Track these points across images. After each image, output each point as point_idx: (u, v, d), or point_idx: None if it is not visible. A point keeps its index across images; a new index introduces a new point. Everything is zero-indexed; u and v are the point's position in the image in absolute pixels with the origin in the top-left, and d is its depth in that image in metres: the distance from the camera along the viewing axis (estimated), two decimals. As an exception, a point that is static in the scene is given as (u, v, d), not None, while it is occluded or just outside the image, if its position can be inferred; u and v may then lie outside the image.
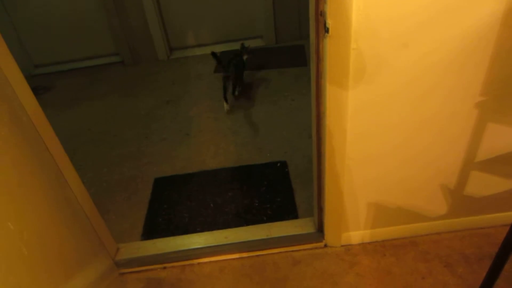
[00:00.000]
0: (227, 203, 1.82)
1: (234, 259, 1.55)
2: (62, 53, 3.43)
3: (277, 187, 1.87)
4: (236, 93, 2.69)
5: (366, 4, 0.96)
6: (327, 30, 1.00)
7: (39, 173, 1.22)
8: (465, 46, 1.06)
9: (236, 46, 2.84)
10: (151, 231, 1.73)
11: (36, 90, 3.10)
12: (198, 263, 1.55)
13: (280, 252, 1.55)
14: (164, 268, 1.55)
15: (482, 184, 1.43)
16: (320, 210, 1.49)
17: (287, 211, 1.73)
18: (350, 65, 1.07)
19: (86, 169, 2.17)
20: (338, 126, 1.20)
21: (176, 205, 1.86)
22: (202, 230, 1.69)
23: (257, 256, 1.55)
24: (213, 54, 2.58)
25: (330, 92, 1.13)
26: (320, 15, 1.01)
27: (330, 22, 0.98)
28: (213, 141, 2.28)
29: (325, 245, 1.55)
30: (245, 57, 2.74)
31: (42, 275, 1.26)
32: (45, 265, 1.27)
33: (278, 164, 2.01)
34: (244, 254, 1.55)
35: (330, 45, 1.03)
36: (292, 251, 1.55)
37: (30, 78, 3.39)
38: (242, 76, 2.76)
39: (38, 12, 3.20)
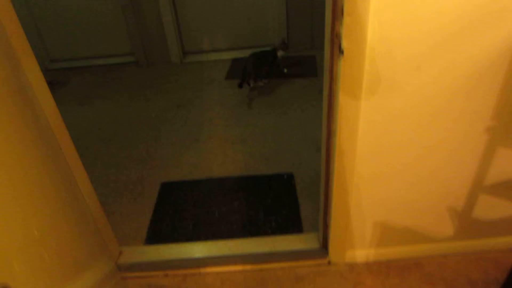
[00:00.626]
0: (232, 213, 1.81)
1: (236, 271, 1.54)
2: (79, 49, 3.48)
3: (283, 200, 1.86)
4: (252, 84, 2.74)
5: (382, 27, 0.95)
6: (342, 52, 0.99)
7: (53, 173, 1.23)
8: (475, 70, 1.05)
9: (249, 53, 2.85)
10: (155, 236, 1.74)
11: (51, 85, 3.13)
12: (200, 273, 1.55)
13: (283, 268, 1.54)
14: (166, 275, 1.55)
15: (491, 208, 1.41)
16: (326, 226, 1.48)
17: (292, 225, 1.72)
18: (363, 86, 1.07)
19: (94, 168, 2.18)
20: (348, 144, 1.20)
21: (182, 211, 1.86)
22: (206, 238, 1.69)
23: (260, 270, 1.54)
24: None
25: (342, 111, 1.12)
26: (336, 36, 1.00)
27: (345, 44, 0.98)
28: (221, 148, 2.28)
29: (329, 262, 1.54)
30: (279, 53, 2.78)
31: (59, 279, 1.26)
32: (61, 268, 1.28)
33: (285, 176, 2.00)
34: (247, 267, 1.55)
35: (344, 66, 1.02)
36: (296, 266, 1.54)
37: (46, 71, 3.44)
38: (262, 69, 2.79)
39: (58, 7, 3.25)
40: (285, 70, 3.02)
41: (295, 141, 2.28)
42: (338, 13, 0.98)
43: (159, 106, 2.80)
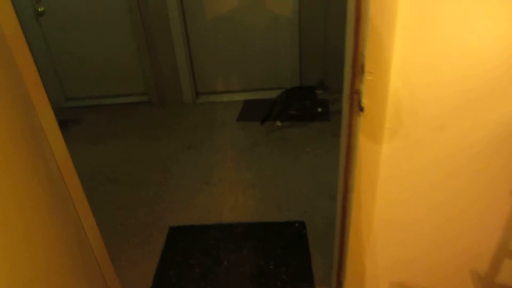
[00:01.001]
0: (241, 262, 1.75)
1: (244, 327, 1.47)
2: (94, 88, 3.55)
3: (294, 250, 1.80)
4: (279, 123, 2.89)
5: (405, 86, 0.94)
6: (361, 109, 0.98)
7: (57, 214, 1.17)
8: (499, 132, 1.02)
9: (261, 95, 2.89)
10: (161, 284, 1.68)
11: (65, 123, 3.19)
12: (207, 328, 1.47)
13: (294, 325, 1.46)
14: (171, 329, 1.48)
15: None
16: (339, 283, 1.41)
17: (303, 278, 1.65)
18: (383, 141, 1.04)
19: (102, 209, 2.15)
20: (367, 198, 1.16)
21: (189, 258, 1.80)
22: (214, 289, 1.63)
23: (269, 327, 1.46)
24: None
25: (362, 165, 1.10)
26: (355, 93, 1.00)
27: (365, 102, 0.97)
28: (231, 193, 2.25)
29: (342, 322, 1.46)
30: (319, 91, 2.98)
31: None
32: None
33: (296, 225, 1.94)
34: (256, 323, 1.47)
35: (363, 123, 1.01)
36: (307, 324, 1.46)
37: (61, 110, 3.48)
38: (291, 104, 3.01)
39: (76, 48, 3.35)
40: (319, 110, 3.10)
41: (307, 187, 2.24)
42: (358, 70, 0.98)
43: (170, 146, 2.80)
